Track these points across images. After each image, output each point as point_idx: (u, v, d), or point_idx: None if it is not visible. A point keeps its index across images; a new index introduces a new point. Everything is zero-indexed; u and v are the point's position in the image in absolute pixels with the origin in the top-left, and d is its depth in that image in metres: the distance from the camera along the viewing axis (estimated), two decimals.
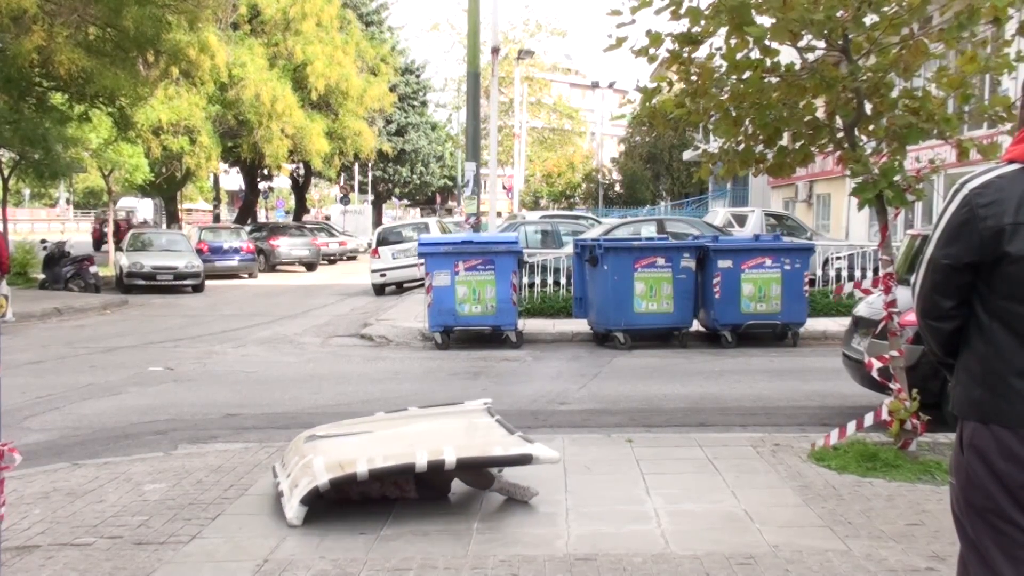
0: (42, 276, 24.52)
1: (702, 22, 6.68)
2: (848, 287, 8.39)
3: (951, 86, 6.53)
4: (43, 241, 27.87)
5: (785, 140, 7.23)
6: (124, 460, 7.17)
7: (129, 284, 24.83)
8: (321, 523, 5.48)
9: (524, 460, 5.52)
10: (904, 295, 6.76)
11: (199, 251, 27.95)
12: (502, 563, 4.78)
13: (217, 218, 48.48)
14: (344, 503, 5.72)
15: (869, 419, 6.83)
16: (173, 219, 40.66)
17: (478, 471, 5.74)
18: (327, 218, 58.37)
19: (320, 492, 5.39)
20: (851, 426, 6.96)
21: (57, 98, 22.66)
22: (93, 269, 24.35)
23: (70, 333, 16.28)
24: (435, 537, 5.20)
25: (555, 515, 5.61)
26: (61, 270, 23.97)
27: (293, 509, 5.42)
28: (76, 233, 55.50)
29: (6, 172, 26.09)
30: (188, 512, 5.72)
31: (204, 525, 5.47)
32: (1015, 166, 2.50)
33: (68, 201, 74.25)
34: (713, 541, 5.10)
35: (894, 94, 6.67)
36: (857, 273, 17.16)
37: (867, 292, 8.16)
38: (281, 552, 4.99)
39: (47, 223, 64.53)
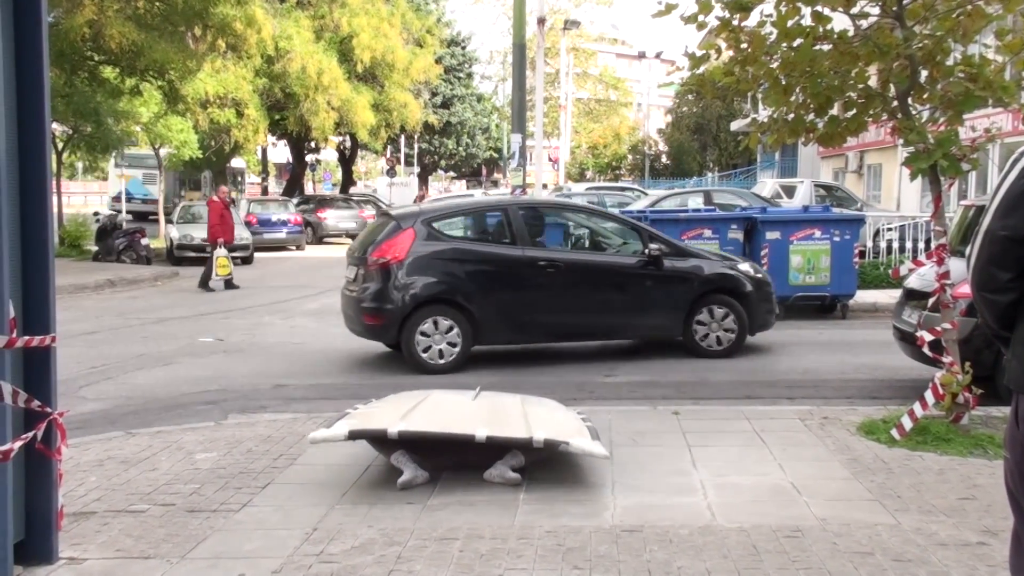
0: (95, 248, 24.93)
1: None
2: (904, 268, 8.20)
3: (1011, 50, 6.36)
4: (96, 214, 28.31)
5: (836, 109, 7.11)
6: (176, 429, 7.29)
7: (179, 256, 25.12)
8: (369, 492, 5.55)
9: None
10: (957, 267, 6.65)
11: (248, 223, 28.16)
12: (548, 534, 4.80)
13: (265, 191, 48.95)
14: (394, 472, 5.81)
15: (930, 396, 6.60)
16: None
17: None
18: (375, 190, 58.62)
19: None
20: (917, 409, 6.61)
21: (108, 72, 22.92)
22: (144, 241, 24.71)
23: (122, 304, 16.55)
24: (482, 507, 5.23)
25: (601, 486, 5.62)
26: (113, 242, 24.33)
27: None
28: (128, 205, 56.24)
29: (60, 146, 26.50)
30: (239, 481, 5.81)
31: (254, 494, 5.56)
32: None
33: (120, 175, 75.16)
34: (760, 514, 5.08)
35: (950, 61, 6.51)
36: (908, 245, 16.89)
37: (919, 264, 8.01)
38: (330, 521, 5.06)
39: (99, 196, 65.40)
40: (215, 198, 20.00)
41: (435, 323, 9.97)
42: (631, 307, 10.53)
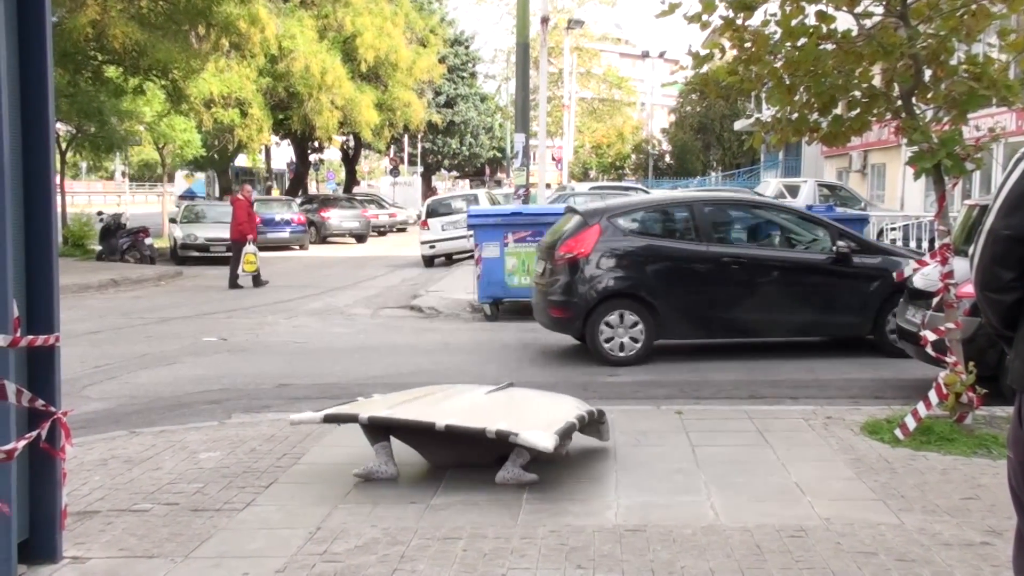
0: (99, 247, 24.97)
1: None
2: (908, 270, 8.16)
3: (1014, 49, 6.35)
4: (100, 213, 28.34)
5: (840, 109, 7.10)
6: (180, 428, 7.30)
7: (183, 255, 25.17)
8: (372, 492, 5.55)
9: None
10: (961, 266, 6.64)
11: None
12: (552, 533, 4.80)
13: (269, 190, 49.01)
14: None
15: (934, 396, 6.60)
16: (225, 191, 41.18)
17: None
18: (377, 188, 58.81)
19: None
20: (921, 409, 6.64)
21: (112, 71, 22.94)
22: (148, 241, 24.74)
23: (126, 304, 16.57)
24: (485, 507, 5.24)
25: (605, 486, 5.62)
26: (117, 242, 24.38)
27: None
28: (132, 205, 56.57)
29: (64, 145, 26.53)
30: (242, 480, 5.81)
31: (258, 493, 5.56)
32: None
33: (124, 174, 75.29)
34: (763, 514, 5.07)
35: (954, 60, 6.51)
36: (912, 244, 16.88)
37: (923, 263, 8.00)
38: (333, 520, 5.06)
39: (103, 195, 65.58)
40: (240, 196, 20.29)
41: (619, 317, 10.20)
42: (817, 304, 10.51)
